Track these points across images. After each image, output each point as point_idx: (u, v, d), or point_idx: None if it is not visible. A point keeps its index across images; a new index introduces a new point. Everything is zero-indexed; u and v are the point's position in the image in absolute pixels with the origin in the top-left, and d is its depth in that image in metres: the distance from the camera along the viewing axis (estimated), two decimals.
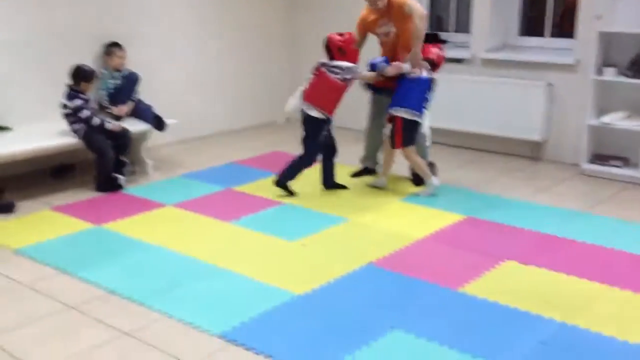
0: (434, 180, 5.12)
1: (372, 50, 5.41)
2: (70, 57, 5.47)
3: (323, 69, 4.97)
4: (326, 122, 5.06)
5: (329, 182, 5.28)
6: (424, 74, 5.04)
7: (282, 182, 5.13)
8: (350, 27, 6.64)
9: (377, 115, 5.44)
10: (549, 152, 6.16)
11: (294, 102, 5.10)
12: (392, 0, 5.15)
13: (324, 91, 5.00)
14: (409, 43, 5.08)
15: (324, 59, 5.04)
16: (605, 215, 4.77)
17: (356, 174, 5.63)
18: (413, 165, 5.21)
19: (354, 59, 5.03)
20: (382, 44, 5.36)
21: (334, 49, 4.99)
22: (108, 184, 5.25)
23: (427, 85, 5.05)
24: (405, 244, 4.27)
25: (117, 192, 5.25)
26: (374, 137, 5.54)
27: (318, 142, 5.09)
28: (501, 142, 6.32)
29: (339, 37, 5.03)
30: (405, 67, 5.01)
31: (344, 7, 7.17)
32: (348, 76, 4.94)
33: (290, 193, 5.13)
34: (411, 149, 5.08)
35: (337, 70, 4.93)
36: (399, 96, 5.03)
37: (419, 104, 5.03)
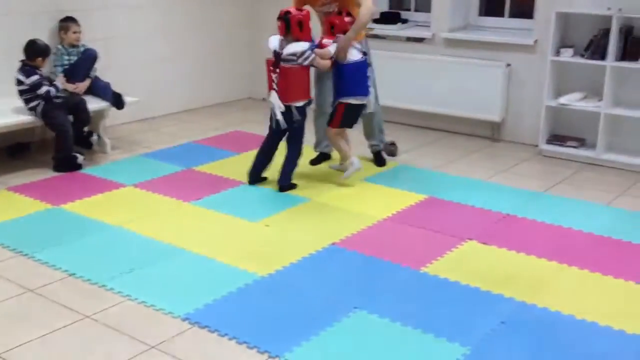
0: (355, 161, 4.94)
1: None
2: (23, 34, 5.31)
3: (283, 65, 4.64)
4: (308, 103, 4.87)
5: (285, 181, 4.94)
6: (355, 56, 4.82)
7: (287, 185, 4.88)
8: None
9: (322, 98, 5.25)
10: (508, 133, 6.23)
11: (278, 103, 4.71)
12: None
13: (295, 84, 4.69)
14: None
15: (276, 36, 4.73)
16: (563, 196, 4.86)
17: (314, 161, 5.48)
18: (334, 146, 5.09)
19: (309, 36, 4.73)
20: (323, 22, 5.13)
21: (293, 24, 4.64)
22: (67, 164, 5.14)
23: (365, 66, 4.90)
24: (367, 224, 4.29)
25: (75, 172, 5.14)
26: (322, 121, 5.40)
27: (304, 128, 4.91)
28: (461, 123, 6.37)
29: (297, 11, 4.72)
30: (330, 50, 4.74)
31: None
32: (305, 63, 4.66)
33: (294, 186, 4.91)
34: (336, 131, 4.97)
35: (292, 58, 4.62)
36: (344, 84, 4.83)
37: (365, 87, 4.90)
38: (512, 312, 3.27)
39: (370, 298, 3.39)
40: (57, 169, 5.14)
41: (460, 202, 4.70)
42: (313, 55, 4.68)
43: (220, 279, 3.56)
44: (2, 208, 4.44)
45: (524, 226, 4.32)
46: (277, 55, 4.66)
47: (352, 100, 4.85)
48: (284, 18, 4.66)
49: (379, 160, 5.38)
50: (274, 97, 4.71)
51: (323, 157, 5.53)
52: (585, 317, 3.23)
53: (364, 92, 4.89)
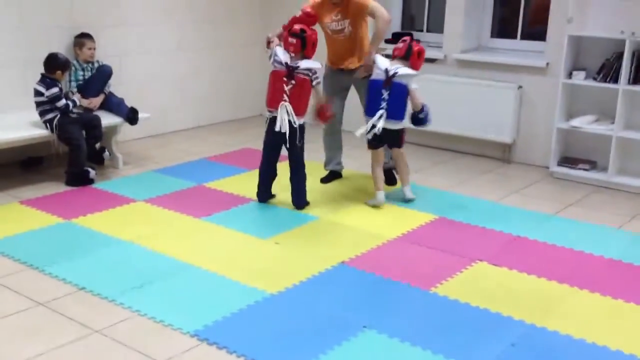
0: (379, 195, 4.94)
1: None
2: (38, 48, 5.39)
3: (301, 76, 4.63)
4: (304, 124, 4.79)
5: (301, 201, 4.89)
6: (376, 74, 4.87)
7: (304, 204, 4.86)
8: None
9: (337, 108, 5.23)
10: (519, 154, 6.23)
11: (286, 116, 4.62)
12: None
13: (303, 98, 4.68)
14: (362, 46, 5.05)
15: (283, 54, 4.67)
16: (574, 219, 4.84)
17: (324, 179, 5.46)
18: (398, 165, 5.12)
19: (312, 56, 4.75)
20: (330, 41, 5.14)
21: (309, 43, 4.66)
22: (79, 178, 5.18)
23: (379, 85, 4.83)
24: (377, 243, 4.29)
25: (87, 187, 5.17)
26: (332, 139, 5.44)
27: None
28: (473, 143, 6.38)
29: (311, 31, 4.72)
30: (372, 60, 4.88)
31: None
32: (315, 82, 4.69)
33: (308, 203, 4.89)
34: (371, 157, 5.02)
35: (307, 73, 4.63)
36: (365, 103, 4.93)
37: (371, 109, 4.87)
38: (522, 335, 3.25)
39: (380, 317, 3.38)
40: (69, 183, 5.18)
41: (471, 223, 4.69)
42: (320, 78, 4.76)
43: (230, 296, 3.55)
44: (14, 221, 4.47)
45: (535, 248, 4.31)
46: (291, 68, 4.62)
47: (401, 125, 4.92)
48: (301, 36, 4.65)
49: (390, 179, 5.36)
50: (283, 110, 4.62)
51: (333, 175, 5.52)
52: (595, 341, 3.20)
53: (370, 114, 4.85)
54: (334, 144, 5.46)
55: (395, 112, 4.82)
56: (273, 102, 4.69)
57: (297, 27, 4.73)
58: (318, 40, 4.76)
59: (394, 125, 4.85)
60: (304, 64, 4.64)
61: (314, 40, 4.71)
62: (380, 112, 4.77)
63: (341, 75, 5.21)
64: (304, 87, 4.65)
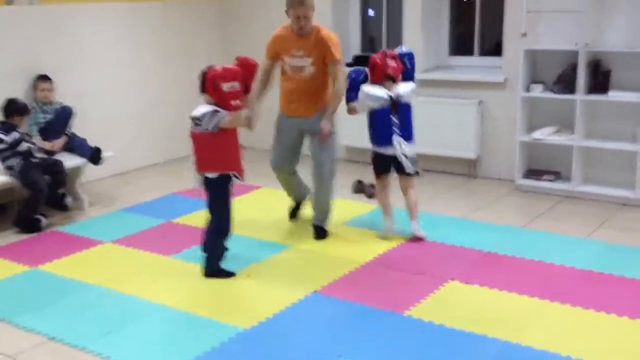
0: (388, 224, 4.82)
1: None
2: (1, 95, 5.31)
3: (194, 131, 4.10)
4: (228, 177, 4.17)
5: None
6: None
7: (213, 270, 4.23)
8: None
9: (276, 155, 4.95)
10: (484, 169, 6.29)
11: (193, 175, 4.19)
12: (320, 32, 4.54)
13: (201, 152, 4.12)
14: (320, 95, 4.63)
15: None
16: (542, 230, 4.88)
17: (292, 215, 5.22)
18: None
19: (223, 99, 4.04)
20: (287, 82, 4.71)
21: (209, 82, 4.07)
22: (29, 225, 5.09)
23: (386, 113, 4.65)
24: (349, 269, 4.28)
25: (53, 231, 5.09)
26: (290, 180, 5.07)
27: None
28: (439, 161, 6.42)
29: (219, 68, 4.08)
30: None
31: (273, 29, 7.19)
32: (211, 126, 4.01)
33: (229, 274, 4.22)
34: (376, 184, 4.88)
35: (197, 122, 4.06)
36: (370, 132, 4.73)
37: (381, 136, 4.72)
38: (497, 353, 3.26)
39: (355, 345, 3.36)
40: (17, 224, 5.09)
41: (441, 241, 4.70)
42: (223, 117, 4.01)
43: (203, 335, 3.51)
44: None
45: (505, 263, 4.33)
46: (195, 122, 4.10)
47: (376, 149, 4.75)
48: (200, 76, 4.14)
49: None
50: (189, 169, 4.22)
51: (298, 208, 5.22)
52: (570, 354, 3.22)
53: (383, 143, 4.67)
54: (293, 186, 5.11)
55: (409, 134, 4.69)
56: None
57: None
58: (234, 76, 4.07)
59: (411, 147, 4.71)
60: (197, 112, 4.08)
61: (213, 75, 4.02)
62: (397, 139, 4.57)
63: (294, 123, 4.75)
64: (197, 141, 4.10)
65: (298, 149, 4.92)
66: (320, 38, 4.53)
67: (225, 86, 4.02)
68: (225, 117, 4.01)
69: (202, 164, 4.13)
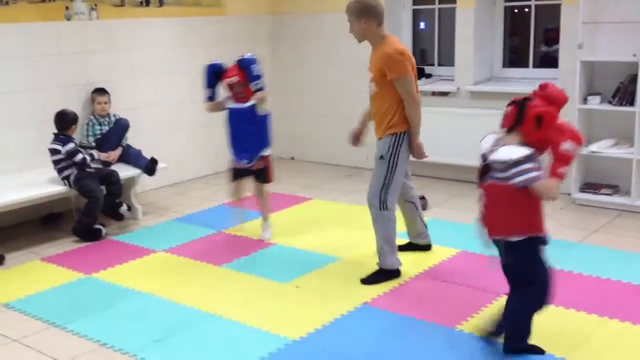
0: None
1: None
2: (54, 107, 5.45)
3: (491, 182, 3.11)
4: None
5: None
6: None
7: (520, 348, 3.30)
8: (334, 64, 6.78)
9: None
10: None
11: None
12: (384, 45, 4.06)
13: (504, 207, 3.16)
14: (384, 111, 4.09)
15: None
16: (599, 245, 4.75)
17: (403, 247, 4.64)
18: (266, 204, 5.19)
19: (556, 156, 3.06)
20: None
21: (529, 116, 3.04)
22: (89, 233, 5.19)
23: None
24: (399, 282, 4.23)
25: (107, 240, 5.18)
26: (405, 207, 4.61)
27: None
28: None
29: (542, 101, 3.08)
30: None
31: (326, 46, 7.23)
32: (519, 181, 3.00)
33: (539, 351, 3.30)
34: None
35: (501, 167, 3.05)
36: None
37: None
38: None
39: (404, 359, 3.31)
40: (76, 232, 5.19)
41: (494, 255, 4.60)
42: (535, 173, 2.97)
43: (252, 345, 3.51)
44: (35, 279, 4.47)
45: (561, 278, 4.18)
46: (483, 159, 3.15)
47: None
48: (520, 103, 3.09)
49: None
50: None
51: (412, 246, 4.73)
52: None
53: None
54: (405, 217, 4.65)
55: (259, 143, 5.03)
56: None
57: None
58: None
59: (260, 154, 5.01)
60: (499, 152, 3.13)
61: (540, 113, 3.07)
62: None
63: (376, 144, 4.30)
64: (493, 194, 3.19)
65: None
66: (382, 53, 4.05)
67: (565, 146, 2.97)
68: (542, 181, 2.96)
69: (498, 225, 3.21)
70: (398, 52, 4.04)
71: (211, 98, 5.01)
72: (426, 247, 4.74)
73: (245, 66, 4.84)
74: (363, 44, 4.26)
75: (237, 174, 5.09)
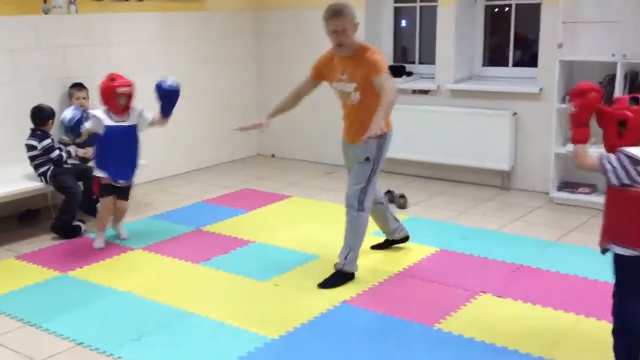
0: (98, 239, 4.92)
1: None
2: (32, 101, 5.37)
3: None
4: None
5: None
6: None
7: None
8: (311, 63, 6.74)
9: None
10: (518, 181, 6.19)
11: None
12: (366, 52, 4.05)
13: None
14: (370, 118, 3.80)
15: None
16: (577, 244, 4.78)
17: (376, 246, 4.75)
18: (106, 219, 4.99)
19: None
20: (341, 104, 4.28)
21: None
22: (69, 231, 5.13)
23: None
24: (378, 280, 4.23)
25: (84, 238, 5.13)
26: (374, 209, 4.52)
27: None
28: (471, 172, 6.35)
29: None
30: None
31: (308, 42, 7.22)
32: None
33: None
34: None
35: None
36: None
37: None
38: None
39: (383, 357, 3.32)
40: (55, 230, 5.13)
41: (473, 253, 4.63)
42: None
43: (231, 343, 3.49)
44: (11, 277, 4.41)
45: (539, 277, 4.24)
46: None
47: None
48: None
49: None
50: None
51: (389, 243, 4.77)
52: None
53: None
54: (377, 218, 4.62)
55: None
56: None
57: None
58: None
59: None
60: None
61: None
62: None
63: (349, 150, 4.31)
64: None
65: None
66: (363, 60, 4.02)
67: None
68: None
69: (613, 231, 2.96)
70: (378, 50, 4.11)
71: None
72: (404, 239, 4.75)
73: (164, 95, 4.84)
74: None
75: (110, 191, 4.89)
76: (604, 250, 2.99)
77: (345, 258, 4.19)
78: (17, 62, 5.59)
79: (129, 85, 4.77)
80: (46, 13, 5.77)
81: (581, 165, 2.95)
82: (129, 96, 4.78)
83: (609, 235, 2.93)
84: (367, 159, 4.13)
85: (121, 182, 4.88)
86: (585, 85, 2.94)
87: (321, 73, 4.32)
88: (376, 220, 4.62)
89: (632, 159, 2.74)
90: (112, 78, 4.76)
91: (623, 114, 2.80)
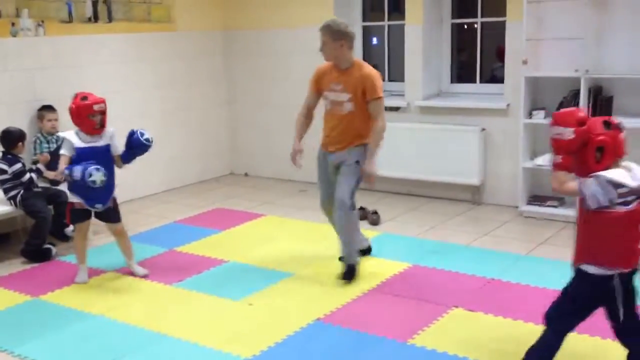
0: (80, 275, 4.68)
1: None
2: (3, 125, 5.34)
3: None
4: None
5: None
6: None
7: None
8: (287, 79, 6.79)
9: (329, 190, 4.63)
10: (488, 196, 6.28)
11: None
12: (363, 69, 4.41)
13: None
14: (359, 133, 4.42)
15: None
16: (546, 257, 4.85)
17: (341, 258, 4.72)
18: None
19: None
20: (328, 116, 4.56)
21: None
22: (38, 254, 5.08)
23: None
24: (351, 297, 4.25)
25: (55, 261, 5.08)
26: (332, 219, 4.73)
27: None
28: (441, 188, 6.42)
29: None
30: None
31: (278, 62, 7.27)
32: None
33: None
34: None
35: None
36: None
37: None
38: None
39: None
40: (25, 255, 5.08)
41: (444, 268, 4.68)
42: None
43: None
44: None
45: (510, 290, 4.30)
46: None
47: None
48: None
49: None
50: None
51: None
52: None
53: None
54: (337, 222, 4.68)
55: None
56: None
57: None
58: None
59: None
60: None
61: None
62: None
63: (333, 158, 4.57)
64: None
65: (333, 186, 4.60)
66: (361, 75, 4.37)
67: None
68: None
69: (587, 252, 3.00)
70: (379, 76, 4.46)
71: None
72: (368, 250, 4.93)
73: (136, 147, 4.70)
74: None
75: (86, 216, 4.65)
76: (577, 271, 3.04)
77: (350, 253, 4.54)
78: None
79: (103, 102, 4.59)
80: (14, 36, 5.76)
81: (560, 190, 3.01)
82: (104, 113, 4.58)
83: (583, 256, 2.99)
84: (357, 162, 4.46)
85: (98, 207, 4.59)
86: (579, 113, 2.97)
87: (317, 86, 4.60)
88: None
89: (612, 182, 2.81)
90: (83, 97, 4.56)
91: (602, 140, 2.86)
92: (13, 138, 5.14)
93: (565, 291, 3.11)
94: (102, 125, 4.58)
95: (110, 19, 6.51)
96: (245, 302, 4.23)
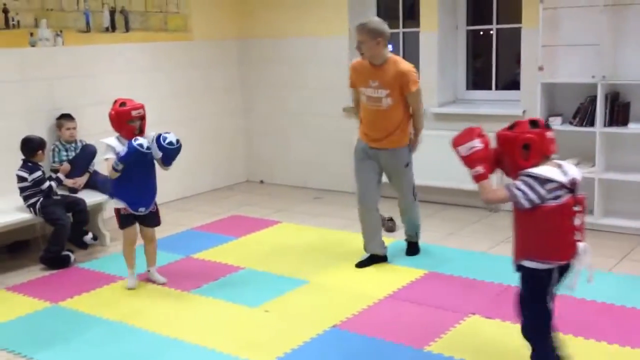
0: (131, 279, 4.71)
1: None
2: (20, 133, 5.39)
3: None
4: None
5: None
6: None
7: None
8: (302, 87, 6.83)
9: (363, 193, 4.86)
10: (506, 203, 6.23)
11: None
12: (398, 64, 4.60)
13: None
14: (401, 127, 4.70)
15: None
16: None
17: (361, 264, 4.93)
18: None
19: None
20: (366, 111, 4.72)
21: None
22: (58, 261, 5.13)
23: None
24: (368, 303, 4.25)
25: (73, 268, 5.13)
26: (369, 218, 4.92)
27: None
28: (458, 194, 6.40)
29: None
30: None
31: (293, 70, 7.30)
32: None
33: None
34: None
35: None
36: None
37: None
38: None
39: None
40: (45, 262, 5.13)
41: (461, 275, 4.67)
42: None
43: None
44: (0, 308, 4.40)
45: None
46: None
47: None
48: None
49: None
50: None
51: (372, 259, 4.97)
52: None
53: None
54: (371, 224, 4.94)
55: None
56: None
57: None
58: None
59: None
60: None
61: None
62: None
63: (374, 154, 4.79)
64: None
65: (379, 182, 4.92)
66: (397, 71, 4.56)
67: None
68: None
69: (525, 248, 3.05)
70: (414, 70, 4.66)
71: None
72: (384, 258, 4.98)
73: (162, 151, 4.59)
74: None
75: (132, 221, 4.67)
76: (518, 267, 3.09)
77: (417, 233, 5.13)
78: (2, 95, 5.62)
79: (142, 107, 4.58)
80: (33, 46, 5.83)
81: (490, 200, 3.11)
82: (143, 119, 4.58)
83: (522, 253, 3.05)
84: (407, 164, 4.87)
85: (141, 210, 4.61)
86: (475, 128, 3.21)
87: (355, 82, 4.78)
88: (370, 228, 4.92)
89: (539, 179, 2.87)
90: (122, 103, 4.54)
91: (527, 137, 2.94)
92: (33, 146, 5.20)
93: (521, 298, 3.14)
94: (142, 130, 4.58)
95: (127, 28, 6.58)
96: (261, 309, 4.25)
